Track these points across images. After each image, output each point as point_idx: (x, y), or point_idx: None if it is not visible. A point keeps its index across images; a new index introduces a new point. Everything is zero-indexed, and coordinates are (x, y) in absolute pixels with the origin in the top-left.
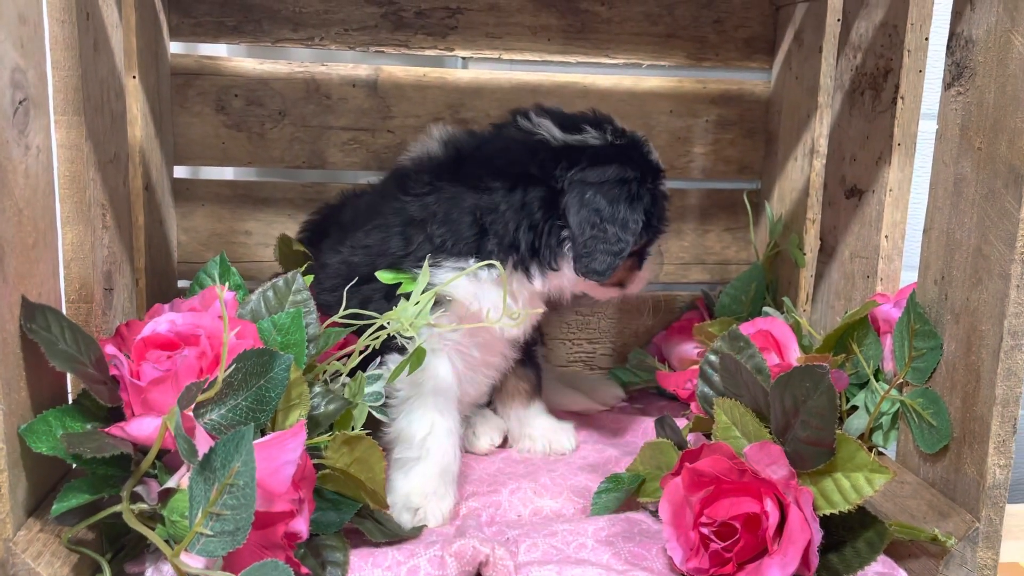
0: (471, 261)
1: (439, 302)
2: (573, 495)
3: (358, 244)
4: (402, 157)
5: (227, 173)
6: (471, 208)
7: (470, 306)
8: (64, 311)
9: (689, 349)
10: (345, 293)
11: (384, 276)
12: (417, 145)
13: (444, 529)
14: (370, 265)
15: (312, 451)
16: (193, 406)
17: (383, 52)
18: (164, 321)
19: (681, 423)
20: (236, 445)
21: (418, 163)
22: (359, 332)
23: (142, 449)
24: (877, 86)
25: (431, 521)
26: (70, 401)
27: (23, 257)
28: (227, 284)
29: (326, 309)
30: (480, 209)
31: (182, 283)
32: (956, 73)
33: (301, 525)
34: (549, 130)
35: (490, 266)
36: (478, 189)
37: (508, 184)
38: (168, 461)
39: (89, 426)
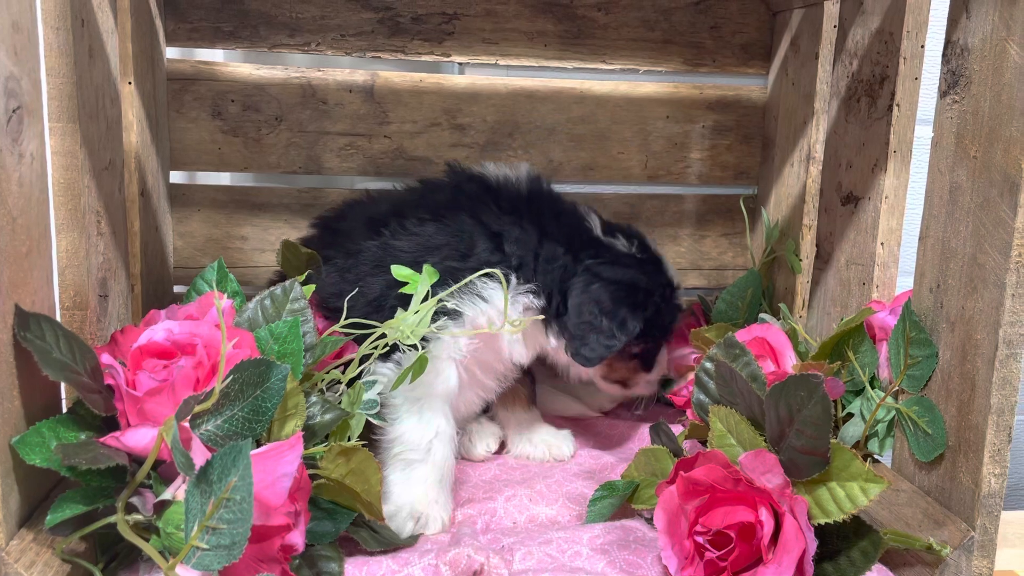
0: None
1: (449, 313)
2: (569, 502)
3: (406, 229)
4: (484, 169)
5: (223, 178)
6: (536, 247)
7: (485, 324)
8: (59, 318)
9: (686, 354)
10: (345, 304)
11: (399, 273)
12: (500, 167)
13: (439, 537)
14: (412, 253)
15: (307, 461)
16: (189, 417)
17: (380, 58)
18: (161, 329)
19: (677, 430)
20: (233, 459)
21: (504, 184)
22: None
23: (137, 459)
24: (873, 93)
25: (431, 528)
26: (64, 409)
27: (16, 266)
28: (225, 292)
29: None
30: (542, 253)
31: (178, 288)
32: (952, 81)
33: (297, 538)
34: (594, 222)
35: (534, 294)
36: (545, 235)
37: (563, 246)
38: (163, 471)
39: (83, 436)
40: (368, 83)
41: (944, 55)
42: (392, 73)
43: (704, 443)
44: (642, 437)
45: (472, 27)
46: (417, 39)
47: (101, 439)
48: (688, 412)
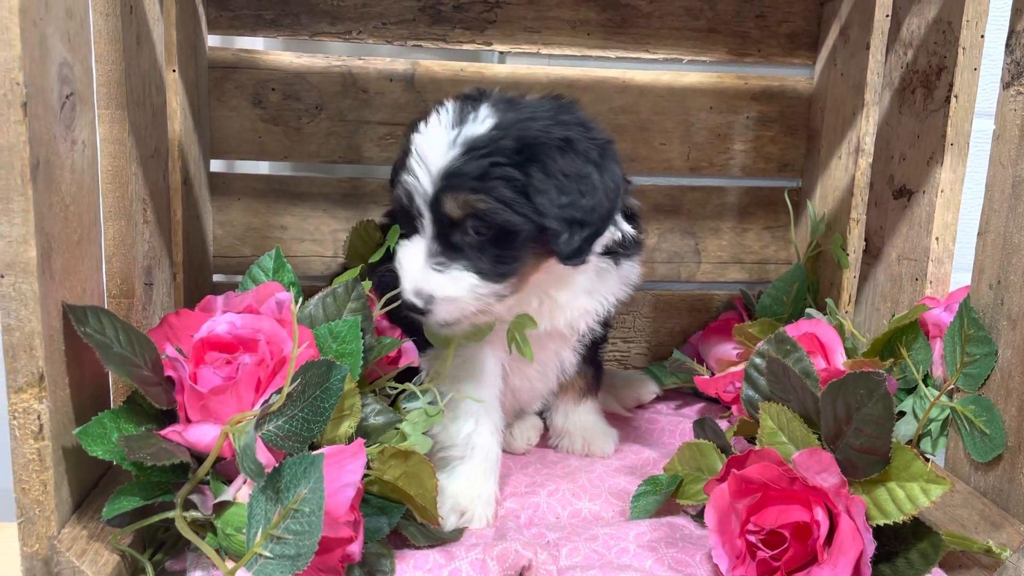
0: None
1: None
2: (612, 497)
3: None
4: None
5: (263, 167)
6: None
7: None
8: (105, 307)
9: (727, 349)
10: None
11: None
12: None
13: (484, 531)
14: None
15: None
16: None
17: (420, 46)
18: (223, 322)
19: (720, 425)
20: (304, 469)
21: None
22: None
23: (196, 454)
24: (929, 84)
25: (476, 524)
26: (111, 397)
27: (69, 254)
28: (282, 281)
29: None
30: None
31: (217, 277)
32: (1016, 72)
33: (356, 547)
34: None
35: None
36: None
37: None
38: (221, 468)
39: (143, 428)
40: (409, 72)
41: (1008, 45)
42: (432, 62)
43: (752, 440)
44: (684, 432)
45: (514, 15)
46: (459, 27)
47: (162, 432)
48: (734, 408)
